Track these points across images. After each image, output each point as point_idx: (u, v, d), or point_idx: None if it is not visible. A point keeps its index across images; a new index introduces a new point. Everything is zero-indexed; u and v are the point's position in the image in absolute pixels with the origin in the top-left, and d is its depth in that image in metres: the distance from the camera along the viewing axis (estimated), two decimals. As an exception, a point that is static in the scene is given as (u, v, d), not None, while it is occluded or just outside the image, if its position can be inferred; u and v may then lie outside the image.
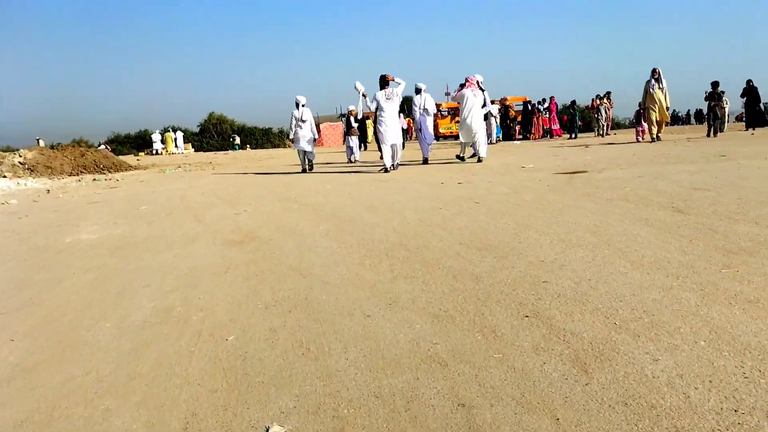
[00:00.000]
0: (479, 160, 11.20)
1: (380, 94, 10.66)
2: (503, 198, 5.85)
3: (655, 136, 12.89)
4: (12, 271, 4.21)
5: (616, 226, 4.13)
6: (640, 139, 13.33)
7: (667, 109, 13.04)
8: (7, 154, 16.35)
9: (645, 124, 13.48)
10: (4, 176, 14.89)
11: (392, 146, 10.71)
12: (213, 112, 43.45)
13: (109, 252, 4.60)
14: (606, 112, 19.97)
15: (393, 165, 10.71)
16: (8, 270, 4.27)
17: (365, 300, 3.03)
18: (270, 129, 43.77)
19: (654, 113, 12.87)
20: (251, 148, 38.70)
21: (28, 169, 15.56)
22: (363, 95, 11.15)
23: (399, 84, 10.84)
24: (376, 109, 10.76)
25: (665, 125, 13.27)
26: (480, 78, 11.88)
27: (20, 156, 16.11)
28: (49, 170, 15.64)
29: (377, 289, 3.20)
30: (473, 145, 11.46)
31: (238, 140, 38.67)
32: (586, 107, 28.80)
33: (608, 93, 21.97)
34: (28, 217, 6.97)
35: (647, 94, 12.91)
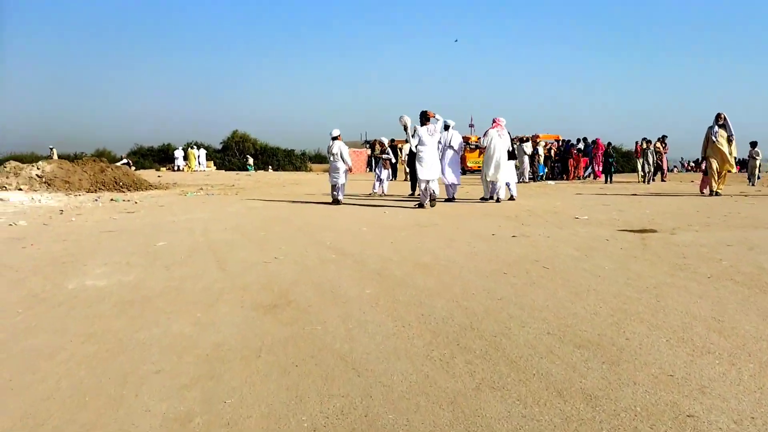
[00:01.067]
0: (497, 200, 11.35)
1: (423, 130, 10.54)
2: (575, 263, 5.04)
3: (714, 191, 11.72)
4: (-1, 329, 3.48)
5: (744, 323, 3.31)
6: (704, 191, 12.26)
7: (734, 159, 11.79)
8: (25, 165, 15.84)
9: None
10: (20, 189, 14.38)
11: (429, 182, 10.47)
12: (237, 130, 42.92)
13: (117, 309, 3.86)
14: (653, 157, 18.52)
15: (430, 202, 10.45)
16: (-5, 327, 3.54)
17: (448, 427, 2.25)
18: (293, 151, 43.07)
19: (715, 163, 11.70)
20: (273, 170, 38.04)
21: (45, 182, 15.02)
22: (412, 134, 10.71)
23: (438, 120, 10.84)
24: (417, 144, 10.60)
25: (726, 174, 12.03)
26: (503, 121, 11.69)
27: (38, 168, 15.59)
28: (67, 185, 15.08)
29: (460, 406, 2.42)
30: (493, 184, 11.47)
31: (251, 161, 38.07)
32: (613, 148, 27.62)
33: (663, 137, 20.63)
34: (33, 247, 6.29)
35: (708, 141, 11.74)
